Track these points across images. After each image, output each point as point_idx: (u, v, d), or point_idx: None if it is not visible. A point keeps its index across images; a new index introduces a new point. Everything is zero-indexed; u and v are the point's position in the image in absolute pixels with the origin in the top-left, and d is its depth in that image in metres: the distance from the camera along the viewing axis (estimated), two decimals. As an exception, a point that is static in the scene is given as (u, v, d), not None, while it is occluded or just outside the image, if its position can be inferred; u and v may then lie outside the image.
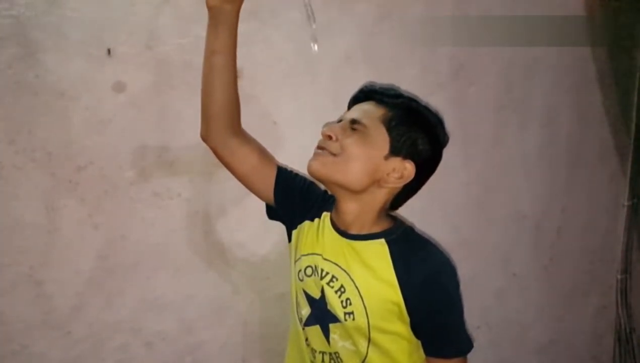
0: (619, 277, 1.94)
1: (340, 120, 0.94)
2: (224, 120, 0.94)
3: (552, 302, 1.87)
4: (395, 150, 0.90)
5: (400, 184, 0.92)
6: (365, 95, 0.95)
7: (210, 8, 0.87)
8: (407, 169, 0.90)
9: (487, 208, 1.69)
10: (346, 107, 0.99)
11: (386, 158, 0.90)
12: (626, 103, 1.81)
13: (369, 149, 0.89)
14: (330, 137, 0.90)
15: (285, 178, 1.01)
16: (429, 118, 0.93)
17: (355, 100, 0.97)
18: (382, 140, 0.89)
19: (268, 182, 1.00)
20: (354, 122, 0.90)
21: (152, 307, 1.36)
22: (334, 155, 0.89)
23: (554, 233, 1.82)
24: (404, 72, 1.48)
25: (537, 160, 1.72)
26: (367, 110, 0.91)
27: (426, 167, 0.94)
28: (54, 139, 1.22)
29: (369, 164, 0.89)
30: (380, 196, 0.93)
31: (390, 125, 0.90)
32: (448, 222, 1.63)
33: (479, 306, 1.73)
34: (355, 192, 0.91)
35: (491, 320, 1.77)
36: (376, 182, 0.91)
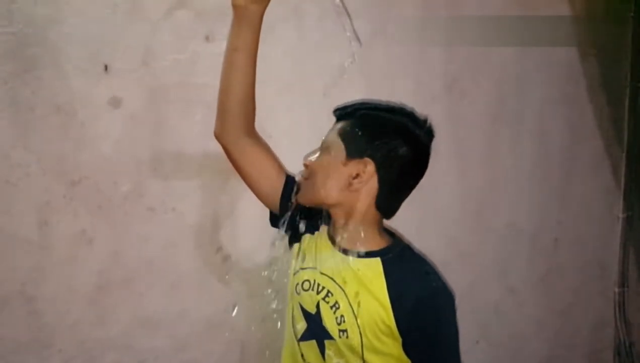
0: (616, 290, 1.94)
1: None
2: (239, 118, 0.95)
3: (550, 315, 1.86)
4: (350, 153, 0.91)
5: (363, 185, 0.91)
6: (337, 117, 0.98)
7: (236, 7, 0.88)
8: (367, 166, 0.90)
9: (482, 221, 1.69)
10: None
11: (344, 164, 0.91)
12: (617, 116, 1.83)
13: (326, 161, 0.92)
14: (305, 165, 0.95)
15: (293, 187, 1.01)
16: (384, 116, 0.93)
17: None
18: (337, 149, 0.92)
19: (276, 187, 1.00)
20: (321, 145, 0.95)
21: (145, 323, 1.34)
22: (306, 179, 0.94)
23: (550, 245, 1.82)
24: (398, 87, 1.49)
25: (531, 172, 1.73)
26: (332, 130, 0.95)
27: (397, 161, 0.91)
28: (49, 154, 1.22)
29: (330, 174, 0.92)
30: (359, 203, 0.92)
31: (344, 133, 0.93)
32: (444, 235, 1.63)
33: (478, 320, 1.72)
34: (335, 205, 0.93)
35: (490, 335, 1.76)
36: (346, 189, 0.91)
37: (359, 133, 0.91)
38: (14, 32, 1.16)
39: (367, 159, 0.90)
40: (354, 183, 0.91)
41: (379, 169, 0.91)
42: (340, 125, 0.94)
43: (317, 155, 0.94)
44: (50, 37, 1.18)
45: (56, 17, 1.18)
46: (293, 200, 0.97)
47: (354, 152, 0.91)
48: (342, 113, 0.96)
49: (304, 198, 0.95)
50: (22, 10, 1.15)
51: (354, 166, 0.91)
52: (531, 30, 1.64)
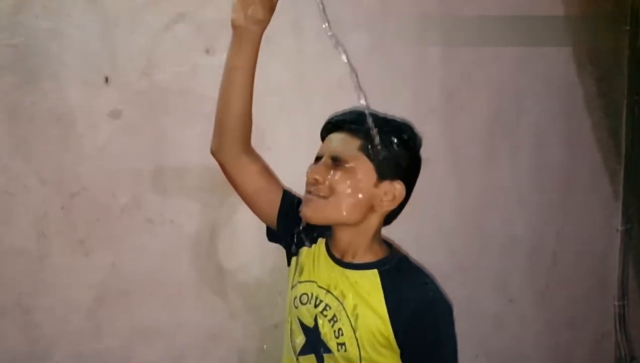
0: (616, 303, 1.93)
1: (318, 157, 0.95)
2: (237, 135, 0.96)
3: (550, 329, 1.85)
4: (382, 175, 0.91)
5: (394, 206, 0.93)
6: (333, 125, 0.96)
7: (236, 27, 0.89)
8: (398, 189, 0.92)
9: (481, 232, 1.69)
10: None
11: (375, 185, 0.91)
12: (615, 128, 1.84)
13: (356, 183, 0.90)
14: (316, 180, 0.90)
15: (290, 201, 1.01)
16: (401, 132, 0.94)
17: (327, 131, 0.98)
18: (367, 169, 0.90)
19: (273, 203, 1.00)
20: (335, 159, 0.91)
21: (143, 336, 1.33)
22: (324, 197, 0.90)
23: (549, 258, 1.81)
24: (396, 98, 1.50)
25: (529, 184, 1.74)
26: (344, 143, 0.92)
27: (412, 178, 0.95)
28: (48, 165, 1.22)
29: (361, 196, 0.90)
30: (375, 221, 0.94)
31: (370, 152, 0.91)
32: (442, 247, 1.63)
33: (477, 334, 1.71)
34: (351, 224, 0.92)
35: (489, 349, 1.75)
36: (371, 208, 0.91)
37: (388, 154, 0.91)
38: (16, 44, 1.17)
39: (398, 181, 0.91)
40: (384, 205, 0.91)
41: (407, 188, 0.92)
42: (357, 140, 0.91)
43: (329, 169, 0.90)
44: (51, 49, 1.19)
45: (58, 29, 1.19)
46: (303, 219, 0.92)
47: (385, 173, 0.91)
48: (350, 125, 0.93)
49: (319, 216, 0.91)
50: (24, 23, 1.16)
51: (386, 187, 0.91)
52: (528, 43, 1.66)
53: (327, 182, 0.90)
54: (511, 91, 1.67)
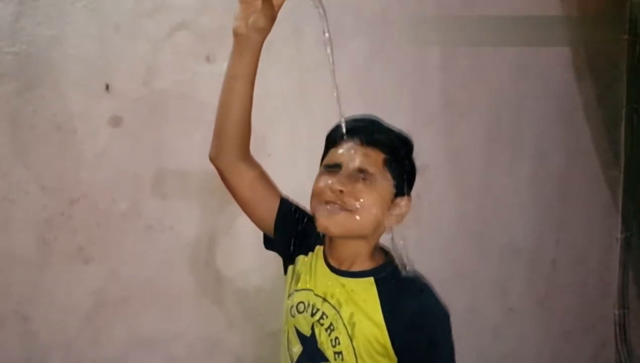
0: (616, 312, 1.92)
1: (334, 165, 0.92)
2: (236, 142, 0.95)
3: (550, 337, 1.84)
4: (399, 191, 0.92)
5: (400, 222, 0.93)
6: (351, 133, 0.93)
7: (237, 35, 0.89)
8: (406, 206, 0.93)
9: (480, 240, 1.69)
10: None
11: (392, 200, 0.91)
12: (614, 136, 1.85)
13: (381, 199, 0.90)
14: (342, 191, 0.88)
15: (287, 209, 1.00)
16: (411, 148, 0.95)
17: (340, 137, 0.94)
18: (389, 185, 0.91)
19: (270, 210, 1.00)
20: (360, 171, 0.89)
21: (141, 343, 1.33)
22: (349, 211, 0.88)
23: (549, 266, 1.81)
24: (396, 106, 1.51)
25: (528, 192, 1.74)
26: (367, 156, 0.91)
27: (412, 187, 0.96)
28: (49, 172, 1.22)
29: (381, 209, 0.90)
30: (380, 233, 0.94)
31: (392, 168, 0.91)
32: (442, 254, 1.62)
33: (476, 342, 1.70)
34: (362, 237, 0.92)
35: (488, 358, 1.74)
36: (382, 224, 0.92)
37: (402, 168, 0.92)
38: (17, 52, 1.17)
39: (407, 197, 0.92)
40: (392, 221, 0.91)
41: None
42: (381, 154, 0.90)
43: (353, 180, 0.88)
44: (52, 56, 1.20)
45: (59, 37, 1.20)
46: (319, 229, 0.90)
47: (401, 189, 0.91)
48: (374, 137, 0.92)
49: (340, 229, 0.89)
50: (26, 31, 1.17)
51: (401, 202, 0.92)
52: (526, 50, 1.67)
53: (352, 195, 0.88)
54: (511, 98, 1.68)
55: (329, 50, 0.92)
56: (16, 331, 1.22)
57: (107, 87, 1.24)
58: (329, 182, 0.89)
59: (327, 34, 0.91)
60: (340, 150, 0.93)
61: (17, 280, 1.21)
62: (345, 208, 0.88)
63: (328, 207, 0.89)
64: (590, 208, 1.86)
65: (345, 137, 0.93)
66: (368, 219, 0.89)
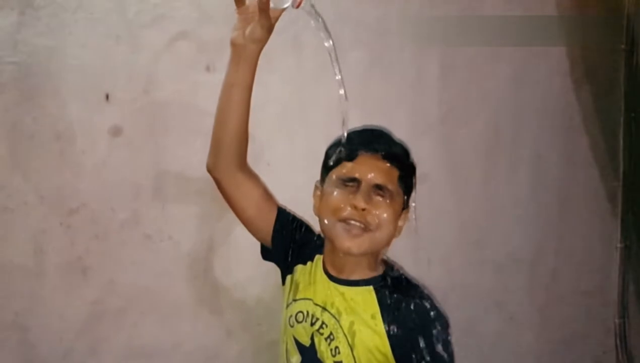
0: (616, 321, 1.91)
1: (350, 179, 0.90)
2: (233, 151, 0.95)
3: (550, 347, 1.83)
4: (406, 205, 0.95)
5: (400, 232, 0.95)
6: (367, 147, 0.92)
7: (234, 45, 0.90)
8: (405, 218, 0.95)
9: (480, 250, 1.69)
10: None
11: (400, 213, 0.94)
12: (612, 145, 1.85)
13: (395, 215, 0.92)
14: (364, 209, 0.88)
15: (285, 219, 1.01)
16: (412, 159, 0.97)
17: (354, 150, 0.93)
18: (401, 201, 0.93)
19: (268, 221, 1.00)
20: (379, 188, 0.89)
21: (140, 354, 1.32)
22: (370, 231, 0.88)
23: (549, 275, 1.80)
24: (394, 116, 1.51)
25: (527, 202, 1.74)
26: (385, 172, 0.90)
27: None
28: (48, 181, 1.22)
29: (394, 225, 0.92)
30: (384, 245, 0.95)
31: (404, 183, 0.93)
32: (441, 264, 1.62)
33: (476, 352, 1.69)
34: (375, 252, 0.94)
35: (489, 367, 1.73)
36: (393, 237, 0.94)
37: (411, 183, 0.94)
38: (18, 62, 1.18)
39: (406, 209, 0.95)
40: (397, 232, 0.94)
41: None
42: (396, 171, 0.91)
43: (371, 197, 0.88)
44: (52, 66, 1.20)
45: (59, 47, 1.20)
46: (340, 250, 0.90)
47: (408, 203, 0.94)
48: (393, 153, 0.92)
49: (363, 249, 0.89)
50: (26, 41, 1.18)
51: (403, 215, 0.94)
52: (525, 60, 1.68)
53: (373, 212, 0.88)
54: (509, 108, 1.68)
55: (333, 56, 0.92)
56: (14, 341, 1.21)
57: (107, 96, 1.25)
58: (349, 197, 0.88)
59: (328, 43, 0.91)
60: (357, 165, 0.91)
61: (15, 290, 1.21)
62: (367, 229, 0.88)
63: (347, 226, 0.88)
64: (590, 217, 1.86)
65: (360, 149, 0.92)
66: (386, 236, 0.91)
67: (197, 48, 1.31)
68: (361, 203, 0.87)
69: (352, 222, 0.88)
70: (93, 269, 1.26)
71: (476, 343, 1.68)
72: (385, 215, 0.88)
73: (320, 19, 0.89)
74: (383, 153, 0.91)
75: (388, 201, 0.89)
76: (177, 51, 1.29)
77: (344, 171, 0.92)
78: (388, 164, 0.91)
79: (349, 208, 0.88)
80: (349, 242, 0.88)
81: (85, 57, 1.22)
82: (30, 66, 1.18)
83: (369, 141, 0.93)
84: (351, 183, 0.90)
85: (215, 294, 1.39)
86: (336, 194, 0.90)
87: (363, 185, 0.89)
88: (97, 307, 1.27)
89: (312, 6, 0.87)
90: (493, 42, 1.61)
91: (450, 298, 0.97)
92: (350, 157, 0.92)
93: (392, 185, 0.90)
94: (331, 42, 0.90)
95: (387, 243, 0.93)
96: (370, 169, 0.90)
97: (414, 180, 0.96)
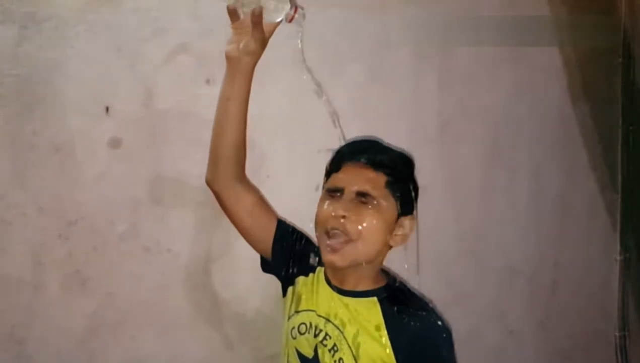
0: (617, 334, 1.90)
1: (335, 189, 0.91)
2: (231, 164, 0.96)
3: (550, 360, 1.82)
4: (403, 212, 0.92)
5: (405, 242, 0.93)
6: (351, 156, 0.93)
7: (229, 59, 0.91)
8: (410, 226, 0.93)
9: (480, 263, 1.68)
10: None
11: (395, 221, 0.91)
12: (611, 158, 1.86)
13: (384, 222, 0.89)
14: (344, 217, 0.88)
15: (284, 231, 1.01)
16: (413, 166, 0.95)
17: (341, 161, 0.94)
18: (392, 207, 0.90)
19: (268, 232, 1.00)
20: (363, 195, 0.89)
21: (137, 367, 1.31)
22: (352, 241, 0.88)
23: (549, 288, 1.80)
24: (393, 128, 1.52)
25: (527, 214, 1.74)
26: (368, 179, 0.90)
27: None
28: (46, 193, 1.22)
29: (385, 234, 0.90)
30: (384, 254, 0.94)
31: (394, 189, 0.91)
32: (441, 277, 1.62)
33: (476, 365, 1.68)
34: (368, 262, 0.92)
35: (489, 381, 1.72)
36: (387, 245, 0.92)
37: (406, 188, 0.92)
38: (19, 74, 1.18)
39: (411, 216, 0.93)
40: (397, 241, 0.92)
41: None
42: (383, 176, 0.90)
43: (355, 205, 0.87)
44: (53, 79, 1.21)
45: (60, 60, 1.21)
46: (326, 265, 0.90)
47: (405, 210, 0.91)
48: (374, 159, 0.91)
49: (348, 262, 0.88)
50: (28, 53, 1.18)
51: (405, 222, 0.92)
52: (523, 74, 1.69)
53: (354, 221, 0.87)
54: (507, 121, 1.69)
55: (307, 68, 0.93)
56: (11, 354, 1.20)
57: (107, 109, 1.25)
58: (331, 207, 0.89)
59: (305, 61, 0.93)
60: (342, 174, 0.92)
61: (12, 302, 1.20)
62: (348, 239, 0.88)
63: (329, 241, 0.89)
64: (589, 230, 1.86)
65: (345, 160, 0.93)
66: (371, 245, 0.89)
67: (197, 61, 1.32)
68: (339, 211, 0.87)
69: (334, 231, 0.88)
70: (91, 281, 1.26)
71: (476, 356, 1.67)
72: (367, 221, 0.87)
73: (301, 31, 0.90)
74: (366, 161, 0.91)
75: (371, 208, 0.88)
76: (177, 64, 1.30)
77: (330, 182, 0.93)
78: (372, 171, 0.90)
79: (331, 218, 0.89)
80: (332, 256, 0.89)
81: (85, 70, 1.23)
82: (31, 78, 1.19)
83: (355, 151, 0.94)
84: (336, 193, 0.91)
85: (214, 306, 1.38)
86: (322, 206, 0.91)
87: (345, 193, 0.90)
88: (95, 319, 1.26)
89: (302, 26, 0.88)
90: (492, 36, 1.62)
91: (450, 310, 0.96)
92: (337, 168, 0.94)
93: (377, 191, 0.89)
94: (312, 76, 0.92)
95: (378, 252, 0.90)
96: (353, 177, 0.91)
97: (411, 186, 0.93)
